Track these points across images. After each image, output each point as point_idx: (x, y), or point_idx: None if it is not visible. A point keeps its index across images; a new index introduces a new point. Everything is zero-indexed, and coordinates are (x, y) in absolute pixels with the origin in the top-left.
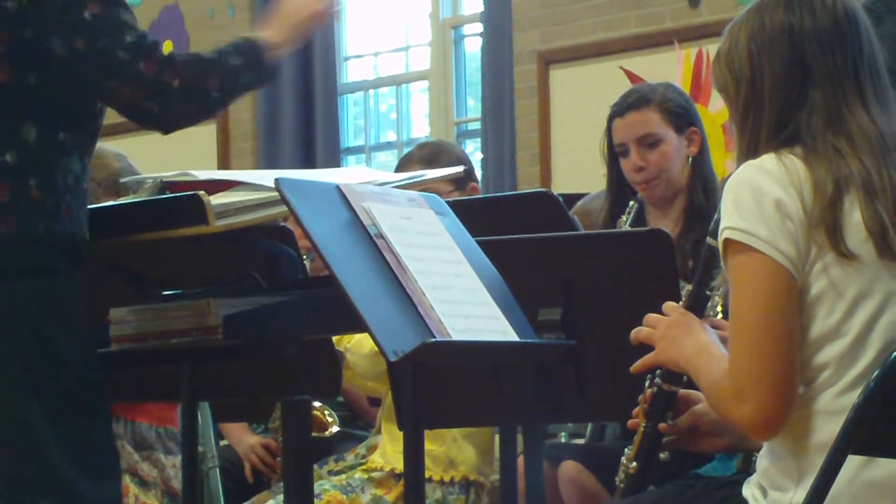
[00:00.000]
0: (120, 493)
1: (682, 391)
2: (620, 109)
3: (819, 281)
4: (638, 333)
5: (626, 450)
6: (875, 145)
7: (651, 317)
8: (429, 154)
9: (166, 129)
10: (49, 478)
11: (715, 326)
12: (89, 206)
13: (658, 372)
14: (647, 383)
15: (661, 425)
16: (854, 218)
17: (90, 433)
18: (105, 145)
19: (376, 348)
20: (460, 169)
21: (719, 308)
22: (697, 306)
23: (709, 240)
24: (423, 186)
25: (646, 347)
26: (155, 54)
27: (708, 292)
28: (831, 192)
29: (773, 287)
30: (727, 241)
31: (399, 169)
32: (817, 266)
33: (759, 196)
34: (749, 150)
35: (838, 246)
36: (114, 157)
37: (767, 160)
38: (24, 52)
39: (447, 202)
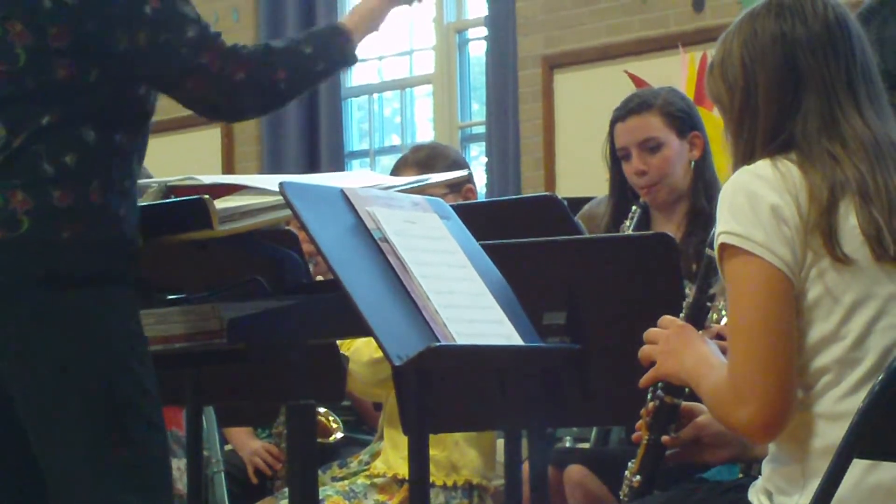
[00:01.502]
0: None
1: (685, 403)
2: (622, 114)
3: (816, 286)
4: (641, 353)
5: (629, 463)
6: (869, 150)
7: (650, 332)
8: (424, 157)
9: (231, 120)
10: (99, 495)
11: (718, 335)
12: None
13: (660, 385)
14: (649, 396)
15: (664, 438)
16: (850, 223)
17: (148, 444)
18: None
19: (376, 356)
20: (465, 173)
21: (723, 313)
22: (697, 317)
23: (707, 251)
24: (419, 190)
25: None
26: (218, 46)
27: (708, 303)
28: (827, 198)
29: (770, 290)
30: (723, 246)
31: (394, 172)
32: (814, 271)
33: (755, 201)
34: (744, 158)
35: (834, 251)
36: None
37: (762, 166)
38: (85, 47)
39: (451, 206)
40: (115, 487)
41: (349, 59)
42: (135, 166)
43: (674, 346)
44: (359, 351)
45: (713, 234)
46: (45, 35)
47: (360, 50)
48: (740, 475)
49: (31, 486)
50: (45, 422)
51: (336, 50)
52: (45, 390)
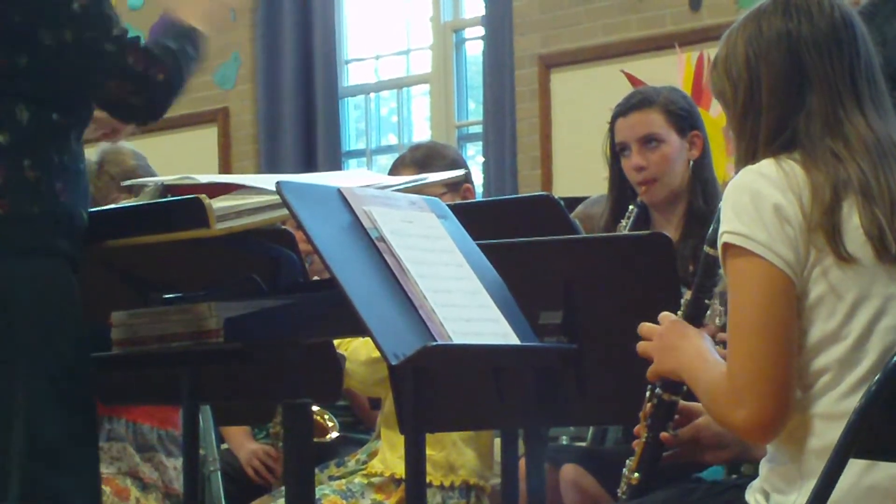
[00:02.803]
0: (95, 485)
1: (684, 403)
2: (624, 109)
3: (818, 285)
4: (638, 348)
5: (627, 461)
6: (872, 150)
7: (644, 327)
8: (422, 156)
9: (147, 122)
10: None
11: (713, 335)
12: (97, 208)
13: (658, 382)
14: (647, 395)
15: (663, 435)
16: (853, 222)
17: (67, 424)
18: (124, 143)
19: (373, 355)
20: (462, 172)
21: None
22: (696, 315)
23: (706, 248)
24: (417, 189)
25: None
26: (140, 49)
27: (707, 301)
28: (829, 197)
29: (772, 291)
30: (726, 246)
31: (392, 172)
32: (816, 270)
33: (758, 201)
34: (747, 156)
35: (838, 250)
36: (131, 154)
37: (766, 165)
38: (12, 37)
39: (448, 205)
40: (36, 466)
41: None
42: (73, 143)
43: (669, 342)
44: (357, 351)
45: (713, 232)
46: None
47: (356, 48)
48: (733, 476)
49: None
50: None
51: (200, 51)
52: None
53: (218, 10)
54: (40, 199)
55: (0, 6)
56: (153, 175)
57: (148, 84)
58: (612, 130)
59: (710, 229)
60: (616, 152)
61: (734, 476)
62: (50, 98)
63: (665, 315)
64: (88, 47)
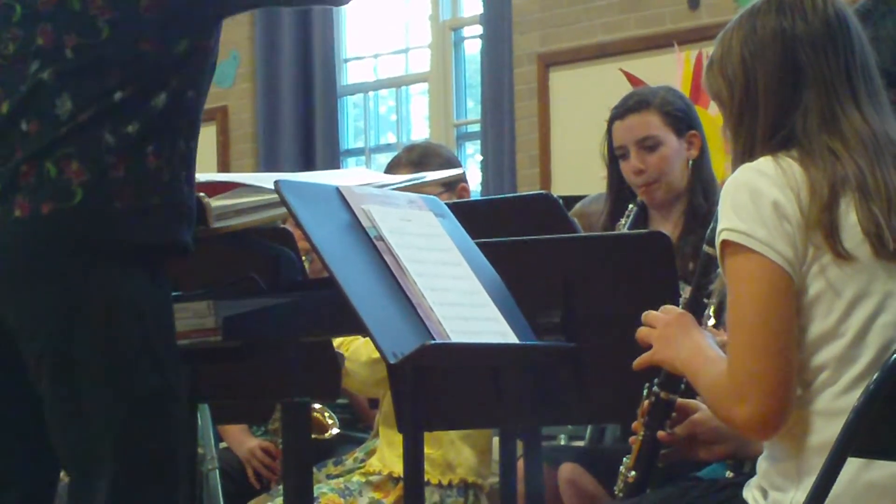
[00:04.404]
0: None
1: (680, 401)
2: (620, 112)
3: (817, 282)
4: (639, 333)
5: (624, 459)
6: (868, 146)
7: (649, 315)
8: (418, 156)
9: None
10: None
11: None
12: None
13: (656, 380)
14: (644, 392)
15: (660, 433)
16: (850, 219)
17: (167, 433)
18: None
19: (374, 356)
20: (460, 171)
21: (712, 312)
22: (695, 313)
23: (705, 247)
24: (415, 188)
25: (648, 346)
26: None
27: (706, 300)
28: (827, 195)
29: (771, 288)
30: (725, 243)
31: (388, 172)
32: (815, 267)
33: (757, 198)
34: (744, 154)
35: (836, 247)
36: None
37: (764, 163)
38: (175, 16)
39: (447, 204)
40: (132, 475)
41: None
42: (197, 125)
43: (671, 333)
44: (357, 351)
45: (711, 231)
46: (137, 6)
47: (355, 47)
48: (729, 474)
49: (46, 469)
50: (71, 399)
51: None
52: (75, 369)
53: None
54: (161, 188)
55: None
56: None
57: None
58: (609, 133)
59: (710, 228)
60: (614, 154)
61: (729, 475)
62: (188, 79)
63: (671, 307)
64: None
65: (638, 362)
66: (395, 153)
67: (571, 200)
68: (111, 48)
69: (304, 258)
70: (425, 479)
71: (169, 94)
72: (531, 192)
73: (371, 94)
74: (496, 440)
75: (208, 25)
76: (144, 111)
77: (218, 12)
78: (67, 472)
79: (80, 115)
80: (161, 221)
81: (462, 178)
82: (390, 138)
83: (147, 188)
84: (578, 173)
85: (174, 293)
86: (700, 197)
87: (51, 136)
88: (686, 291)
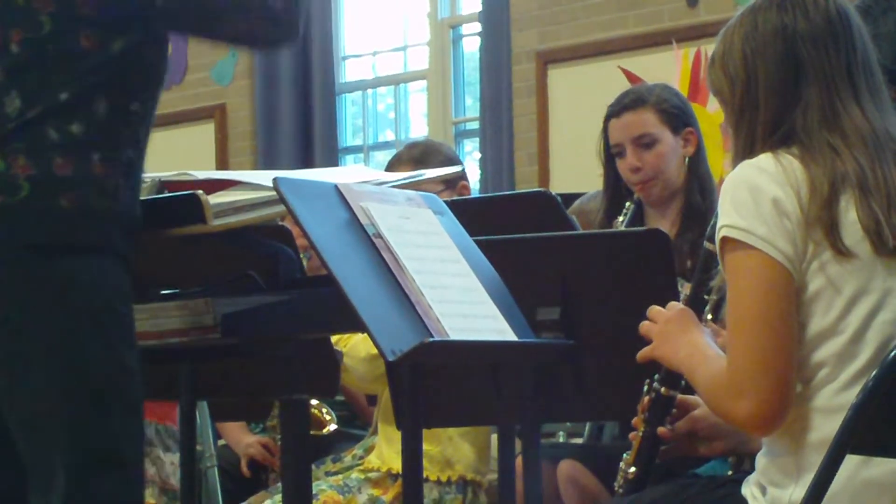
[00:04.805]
0: (141, 490)
1: (681, 397)
2: (616, 110)
3: (816, 279)
4: (641, 327)
5: (624, 455)
6: (869, 142)
7: (653, 310)
8: (419, 154)
9: (269, 47)
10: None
11: (714, 332)
12: None
13: (656, 377)
14: (645, 389)
15: (660, 429)
16: (850, 216)
17: (125, 425)
18: None
19: (372, 352)
20: (459, 168)
21: (708, 312)
22: (695, 310)
23: (706, 244)
24: (414, 186)
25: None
26: None
27: (706, 296)
28: (827, 192)
29: (771, 284)
30: (725, 239)
31: (389, 169)
32: (814, 264)
33: (757, 194)
34: (745, 150)
35: (836, 244)
36: None
37: (764, 159)
38: (112, 14)
39: (445, 202)
40: (89, 468)
41: None
42: (142, 138)
43: (671, 330)
44: (356, 347)
45: (712, 228)
46: (73, 2)
47: (353, 45)
48: (729, 472)
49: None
50: (24, 394)
51: None
52: (28, 361)
53: None
54: (106, 195)
55: None
56: (145, 172)
57: (267, 13)
58: (605, 131)
59: (710, 224)
60: (610, 152)
61: (730, 473)
62: (131, 88)
63: (675, 304)
64: None
65: (641, 354)
66: (394, 151)
67: (570, 198)
68: (53, 43)
69: (302, 256)
70: (424, 475)
71: (110, 103)
72: (530, 190)
73: (369, 91)
74: (495, 437)
75: (139, 24)
76: (88, 115)
77: (144, 8)
78: (27, 470)
79: (28, 113)
80: (101, 226)
81: (462, 176)
82: (389, 136)
83: (91, 192)
84: (577, 171)
85: (172, 291)
86: (697, 194)
87: (0, 133)
88: (686, 288)
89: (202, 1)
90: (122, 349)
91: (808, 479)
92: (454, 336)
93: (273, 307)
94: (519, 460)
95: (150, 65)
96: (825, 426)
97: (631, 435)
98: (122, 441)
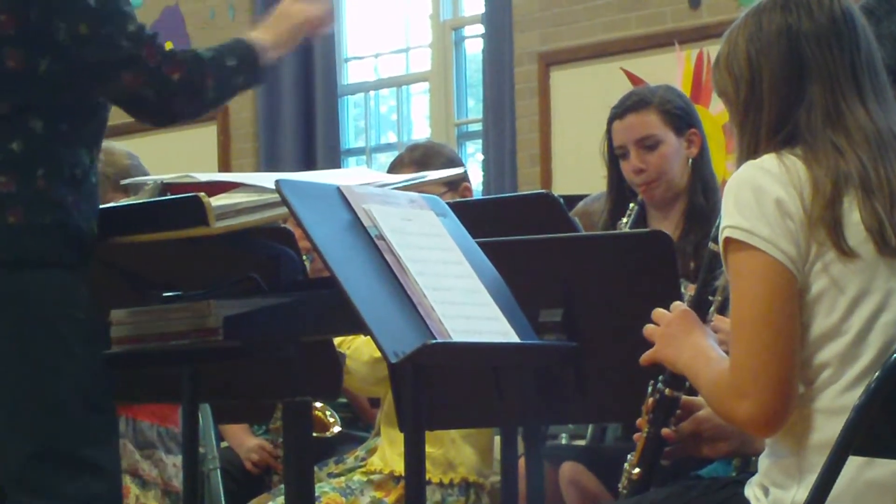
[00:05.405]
0: (116, 489)
1: (685, 398)
2: (620, 111)
3: (820, 280)
4: (645, 330)
5: (628, 456)
6: (872, 142)
7: (657, 312)
8: (420, 156)
9: (161, 120)
10: (39, 472)
11: (716, 330)
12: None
13: (661, 378)
14: (649, 390)
15: (664, 430)
16: (854, 217)
17: (89, 428)
18: (116, 143)
19: (376, 355)
20: (462, 170)
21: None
22: (700, 311)
23: (710, 244)
24: (418, 188)
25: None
26: (155, 45)
27: (710, 297)
28: (830, 192)
29: (774, 285)
30: (728, 240)
31: (391, 171)
32: (818, 265)
33: (760, 195)
34: (749, 150)
35: (839, 244)
36: (124, 154)
37: (768, 160)
38: (31, 36)
39: (448, 203)
40: (56, 475)
41: (265, 76)
42: (84, 156)
43: (674, 332)
44: (359, 350)
45: (716, 229)
46: None
47: (356, 47)
48: (735, 472)
49: None
50: None
51: (255, 65)
52: None
53: (298, 33)
54: (52, 210)
55: (17, 3)
56: (147, 174)
57: (160, 79)
58: (608, 133)
59: (715, 226)
60: (614, 154)
61: (734, 475)
62: (61, 108)
63: (677, 304)
64: (104, 41)
65: (644, 358)
66: (396, 153)
67: (572, 200)
68: None
69: (304, 258)
70: (427, 477)
71: (44, 121)
72: (532, 192)
73: (372, 93)
74: (497, 439)
75: (63, 54)
76: (25, 132)
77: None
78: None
79: None
80: (48, 240)
81: (464, 178)
82: (391, 138)
83: (37, 208)
84: (579, 172)
85: (174, 293)
86: (700, 195)
87: None
88: (690, 290)
89: (108, 44)
90: (83, 355)
91: (811, 480)
92: (457, 338)
93: (275, 309)
94: (521, 462)
95: (77, 89)
96: (828, 427)
97: (635, 436)
98: (88, 441)
